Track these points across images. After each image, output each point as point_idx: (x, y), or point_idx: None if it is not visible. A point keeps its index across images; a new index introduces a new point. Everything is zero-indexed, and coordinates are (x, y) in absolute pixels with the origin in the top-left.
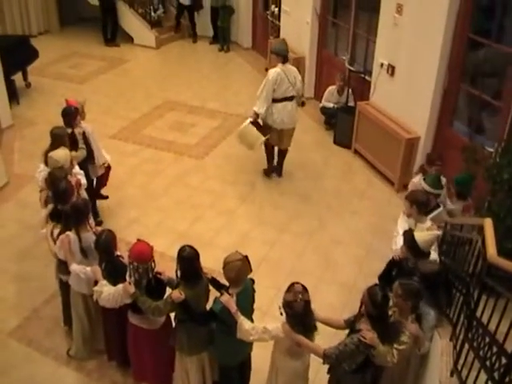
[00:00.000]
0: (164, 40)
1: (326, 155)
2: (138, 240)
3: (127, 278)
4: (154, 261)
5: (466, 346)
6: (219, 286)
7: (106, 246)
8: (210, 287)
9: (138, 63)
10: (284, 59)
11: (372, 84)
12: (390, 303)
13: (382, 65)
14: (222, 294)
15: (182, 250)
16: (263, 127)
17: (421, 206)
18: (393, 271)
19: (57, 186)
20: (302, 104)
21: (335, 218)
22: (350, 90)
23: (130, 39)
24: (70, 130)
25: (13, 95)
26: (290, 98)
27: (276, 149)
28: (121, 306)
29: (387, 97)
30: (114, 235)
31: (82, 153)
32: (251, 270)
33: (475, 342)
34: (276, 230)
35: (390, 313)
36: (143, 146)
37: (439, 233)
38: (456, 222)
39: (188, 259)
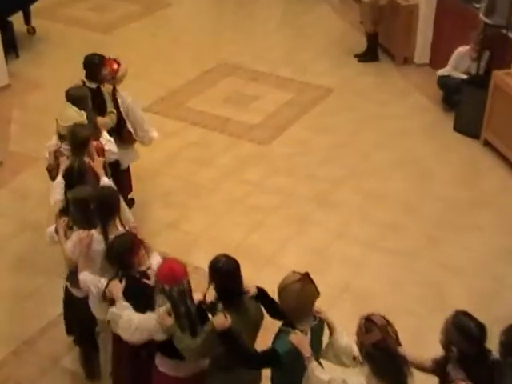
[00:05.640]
0: None
1: (440, 147)
2: (165, 258)
3: (157, 306)
4: (189, 281)
5: None
6: (275, 308)
7: (119, 255)
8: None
9: (183, 9)
10: None
11: None
12: None
13: None
14: (285, 327)
15: (215, 262)
16: None
17: None
18: None
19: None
20: None
21: (449, 234)
22: (487, 55)
23: None
24: (94, 86)
25: (9, 44)
26: None
27: None
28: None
29: None
30: (134, 239)
31: (110, 118)
32: (319, 293)
33: None
34: (364, 246)
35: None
36: (187, 124)
37: None
38: None
39: (226, 272)
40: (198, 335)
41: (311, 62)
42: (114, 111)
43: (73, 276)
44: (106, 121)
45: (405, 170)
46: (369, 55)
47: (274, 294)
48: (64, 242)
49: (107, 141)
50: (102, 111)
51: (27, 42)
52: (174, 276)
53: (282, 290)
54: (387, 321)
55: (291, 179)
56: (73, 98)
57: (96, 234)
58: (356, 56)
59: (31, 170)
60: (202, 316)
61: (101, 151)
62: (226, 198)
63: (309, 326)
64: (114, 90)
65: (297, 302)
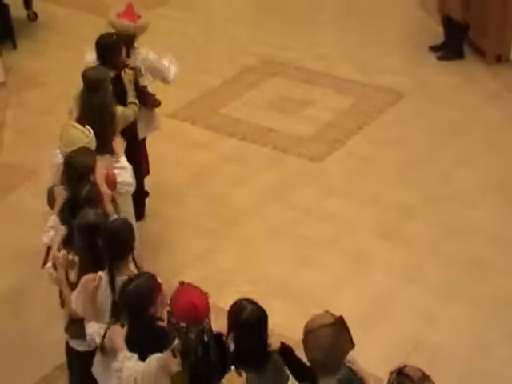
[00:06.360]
0: None
1: None
2: (183, 284)
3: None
4: (209, 319)
5: None
6: (303, 371)
7: (131, 303)
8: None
9: None
10: None
11: None
12: None
13: None
14: None
15: (239, 309)
16: None
17: None
18: None
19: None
20: None
21: None
22: None
23: None
24: (112, 74)
25: (5, 32)
26: None
27: None
28: None
29: None
30: (153, 284)
31: (132, 110)
32: (354, 344)
33: None
34: (439, 292)
35: None
36: (221, 135)
37: None
38: None
39: (251, 325)
40: None
41: (378, 59)
42: (136, 101)
43: (74, 326)
44: (127, 114)
45: (495, 196)
46: (450, 49)
47: None
48: (67, 288)
49: (122, 168)
50: (123, 102)
51: (27, 30)
52: (196, 315)
53: (309, 333)
54: (423, 373)
55: (350, 205)
56: (92, 81)
57: (104, 276)
58: (432, 49)
59: (27, 186)
60: (222, 356)
61: (112, 184)
62: (268, 226)
63: (335, 380)
64: (132, 44)
65: (325, 353)
